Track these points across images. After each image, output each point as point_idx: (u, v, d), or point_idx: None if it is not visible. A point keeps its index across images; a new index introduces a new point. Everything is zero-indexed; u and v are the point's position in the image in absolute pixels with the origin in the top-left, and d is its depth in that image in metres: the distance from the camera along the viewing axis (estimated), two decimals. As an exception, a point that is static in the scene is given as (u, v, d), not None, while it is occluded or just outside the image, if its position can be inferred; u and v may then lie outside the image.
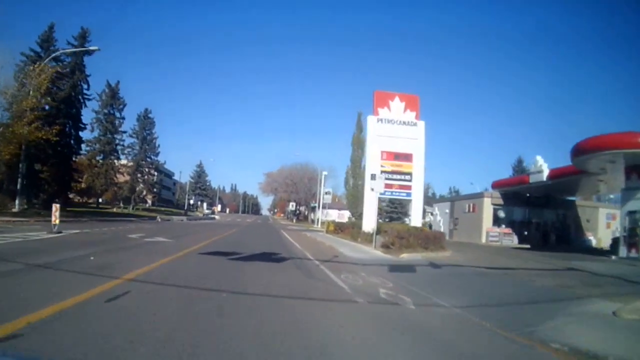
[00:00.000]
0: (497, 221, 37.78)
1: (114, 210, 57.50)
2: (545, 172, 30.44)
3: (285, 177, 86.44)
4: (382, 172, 23.03)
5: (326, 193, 59.88)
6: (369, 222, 23.62)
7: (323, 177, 60.93)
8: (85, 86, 44.02)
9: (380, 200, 26.46)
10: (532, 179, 32.20)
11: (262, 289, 7.57)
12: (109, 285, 6.63)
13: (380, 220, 25.81)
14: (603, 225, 41.27)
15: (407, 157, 25.33)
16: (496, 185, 39.38)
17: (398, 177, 24.99)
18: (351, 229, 28.20)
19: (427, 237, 18.91)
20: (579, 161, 22.55)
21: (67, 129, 41.35)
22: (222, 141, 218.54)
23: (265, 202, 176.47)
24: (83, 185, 55.20)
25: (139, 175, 68.64)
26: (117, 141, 60.47)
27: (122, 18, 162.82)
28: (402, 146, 25.38)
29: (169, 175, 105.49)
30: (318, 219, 61.05)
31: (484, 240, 36.25)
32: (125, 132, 62.36)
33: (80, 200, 62.55)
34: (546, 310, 7.58)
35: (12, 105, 28.41)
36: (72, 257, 9.70)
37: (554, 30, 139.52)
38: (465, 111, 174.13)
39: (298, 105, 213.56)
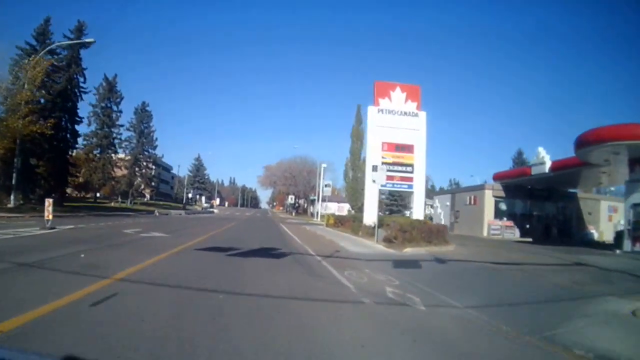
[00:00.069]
0: (498, 214, 37.39)
1: (112, 204, 57.03)
2: (548, 164, 30.01)
3: (285, 170, 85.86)
4: (383, 163, 22.51)
5: (326, 185, 59.40)
6: (370, 215, 23.18)
7: (322, 169, 60.46)
8: (81, 79, 43.52)
9: (379, 192, 26.01)
10: (534, 170, 31.75)
11: (262, 288, 7.11)
12: (96, 287, 6.16)
13: (380, 214, 25.35)
14: (605, 218, 40.94)
15: (409, 148, 24.82)
16: (497, 177, 38.88)
17: (399, 168, 24.51)
18: (352, 222, 27.73)
19: (431, 231, 18.43)
20: (582, 153, 22.11)
21: (63, 123, 40.82)
22: (220, 135, 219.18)
23: (264, 196, 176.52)
24: (81, 179, 54.82)
25: (136, 169, 68.11)
26: (114, 135, 59.93)
27: (122, 16, 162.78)
28: (403, 137, 24.86)
29: (167, 168, 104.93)
30: (317, 212, 60.68)
31: (485, 233, 35.84)
32: (122, 125, 61.95)
33: (78, 195, 62.26)
34: (562, 311, 7.25)
35: (7, 98, 27.91)
36: (62, 255, 9.23)
37: (553, 28, 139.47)
38: (465, 104, 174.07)
39: (297, 99, 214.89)
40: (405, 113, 25.02)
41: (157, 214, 45.48)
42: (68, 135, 42.68)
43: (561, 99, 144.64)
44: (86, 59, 42.40)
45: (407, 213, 48.76)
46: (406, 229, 17.45)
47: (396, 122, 24.83)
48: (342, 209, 65.27)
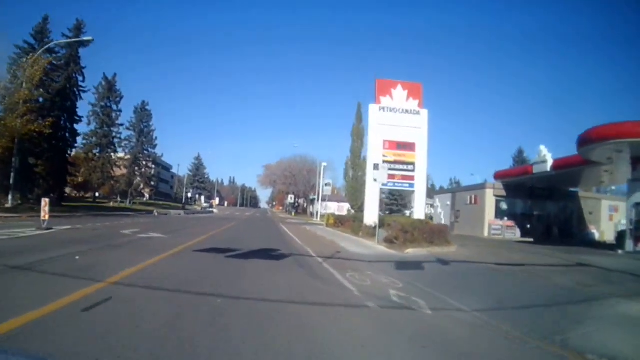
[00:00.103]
0: (499, 213, 37.17)
1: (111, 204, 56.74)
2: (549, 162, 29.79)
3: (284, 169, 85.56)
4: (384, 161, 22.25)
5: (326, 184, 59.13)
6: (371, 215, 22.93)
7: (322, 168, 60.21)
8: (80, 78, 43.32)
9: (380, 192, 25.77)
10: (536, 169, 31.53)
11: (262, 292, 6.86)
12: (89, 290, 5.92)
13: (380, 213, 25.11)
14: (606, 218, 40.75)
15: (410, 147, 24.53)
16: (498, 176, 38.63)
17: (400, 167, 24.21)
18: (352, 223, 27.48)
19: (433, 231, 18.17)
20: (584, 150, 21.89)
21: (62, 122, 40.66)
22: (220, 134, 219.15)
23: (264, 195, 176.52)
24: (80, 179, 54.57)
25: (136, 168, 67.80)
26: (114, 134, 59.61)
27: (122, 16, 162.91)
28: (405, 135, 24.57)
29: (166, 168, 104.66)
30: (317, 212, 60.42)
31: (486, 233, 35.62)
32: (122, 124, 61.64)
33: (78, 195, 62.02)
34: (572, 314, 7.09)
35: (5, 97, 27.67)
36: (56, 257, 8.97)
37: (552, 27, 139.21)
38: (464, 102, 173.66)
39: (297, 98, 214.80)
40: (407, 111, 24.76)
41: (156, 214, 45.18)
42: (67, 135, 42.47)
43: (562, 97, 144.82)
44: (86, 58, 42.32)
45: (407, 213, 48.57)
46: (408, 230, 17.19)
47: (397, 120, 24.56)
48: (342, 208, 65.00)
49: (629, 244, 22.04)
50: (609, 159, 22.73)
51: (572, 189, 39.39)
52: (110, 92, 57.56)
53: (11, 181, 29.25)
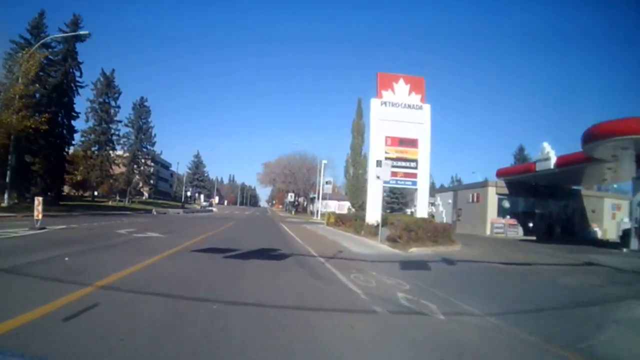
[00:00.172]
0: (501, 211, 36.86)
1: (110, 203, 56.29)
2: (553, 160, 29.57)
3: (284, 167, 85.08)
4: (386, 158, 21.79)
5: (327, 182, 58.69)
6: (373, 214, 22.45)
7: (323, 166, 59.78)
8: (77, 73, 42.82)
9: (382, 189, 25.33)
10: (539, 166, 31.26)
11: (263, 296, 6.41)
12: (75, 296, 5.47)
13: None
14: (608, 216, 40.45)
15: (413, 143, 24.05)
16: (501, 174, 38.31)
17: (403, 164, 23.69)
18: (353, 221, 27.08)
19: (437, 230, 17.76)
20: (589, 147, 21.54)
21: (59, 119, 40.21)
22: (220, 132, 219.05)
23: (264, 194, 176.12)
24: (79, 177, 54.09)
25: (135, 166, 67.25)
26: (112, 131, 58.99)
27: (121, 13, 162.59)
28: (407, 131, 24.10)
29: (165, 166, 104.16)
30: (317, 211, 60.02)
31: (488, 231, 35.33)
32: (120, 121, 61.05)
33: (76, 194, 61.54)
34: (590, 317, 6.67)
35: (0, 93, 27.19)
36: (45, 259, 8.51)
37: (553, 24, 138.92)
38: (464, 100, 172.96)
39: (297, 94, 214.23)
40: (409, 106, 24.28)
41: (155, 213, 44.84)
42: (64, 132, 41.97)
43: (562, 95, 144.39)
44: (85, 56, 41.82)
45: (408, 211, 48.18)
46: (411, 228, 16.78)
47: (400, 115, 24.08)
48: (343, 207, 64.53)
49: (634, 243, 21.86)
50: (613, 156, 22.40)
51: (574, 187, 39.06)
52: (108, 88, 57.04)
53: (7, 179, 28.76)
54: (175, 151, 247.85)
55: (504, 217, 36.44)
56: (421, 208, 24.21)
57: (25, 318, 4.37)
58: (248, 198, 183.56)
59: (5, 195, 28.93)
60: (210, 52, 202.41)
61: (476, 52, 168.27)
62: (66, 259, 8.58)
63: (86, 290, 5.83)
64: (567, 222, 38.21)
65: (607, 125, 19.71)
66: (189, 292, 6.34)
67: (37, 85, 31.91)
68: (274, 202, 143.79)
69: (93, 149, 56.69)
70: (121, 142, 63.87)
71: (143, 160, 69.83)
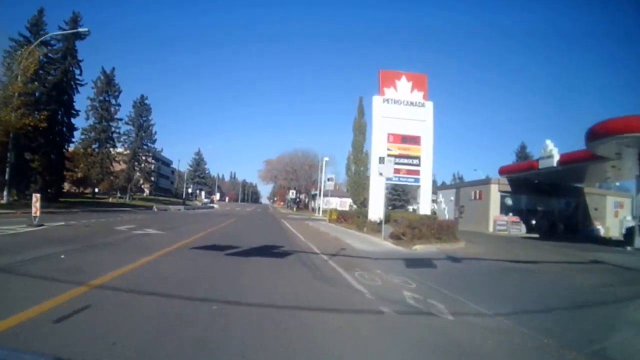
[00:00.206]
0: (504, 209, 36.58)
1: (110, 200, 56.09)
2: (556, 157, 29.23)
3: (285, 164, 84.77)
4: (388, 155, 21.50)
5: (328, 179, 58.28)
6: (376, 211, 22.22)
7: (324, 163, 59.46)
8: (77, 71, 42.32)
9: (384, 186, 25.09)
10: (542, 164, 30.94)
11: (264, 295, 6.15)
12: (68, 296, 5.23)
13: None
14: (611, 214, 40.10)
15: (415, 140, 23.79)
16: (503, 171, 37.99)
17: (405, 161, 23.44)
18: (356, 218, 26.84)
19: (441, 227, 17.50)
20: (593, 145, 21.19)
21: (59, 116, 39.85)
22: (221, 129, 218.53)
23: (265, 191, 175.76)
24: (79, 174, 53.86)
25: (135, 163, 66.93)
26: (112, 129, 58.57)
27: (121, 11, 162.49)
28: (410, 128, 23.82)
29: (166, 163, 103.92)
30: (319, 207, 59.73)
31: (491, 229, 35.06)
32: (121, 119, 60.51)
33: (77, 191, 61.37)
34: (603, 318, 6.54)
35: (-1, 90, 26.99)
36: (40, 256, 8.26)
37: (554, 23, 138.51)
38: (466, 97, 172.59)
39: (298, 93, 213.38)
40: (412, 103, 24.01)
41: (156, 209, 44.62)
42: (64, 129, 41.60)
43: (562, 93, 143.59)
44: (85, 54, 41.50)
45: (410, 208, 47.97)
46: (415, 225, 16.53)
47: (402, 112, 23.81)
48: (344, 204, 64.31)
49: (639, 241, 21.56)
50: (617, 154, 22.08)
51: (577, 185, 38.75)
52: (108, 86, 56.68)
53: (6, 177, 28.57)
54: (177, 149, 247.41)
55: (506, 214, 36.17)
56: (424, 205, 23.97)
57: (13, 321, 4.13)
58: (249, 195, 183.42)
59: (5, 192, 28.77)
60: (210, 50, 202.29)
61: (477, 51, 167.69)
62: (62, 256, 8.35)
63: (80, 290, 5.60)
64: (569, 220, 37.88)
65: (612, 123, 19.38)
66: (187, 291, 6.08)
67: (36, 83, 31.62)
68: (275, 199, 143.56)
69: (93, 146, 56.31)
70: (122, 139, 63.45)
71: (144, 158, 69.48)
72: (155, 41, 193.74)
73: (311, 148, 78.56)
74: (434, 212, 41.96)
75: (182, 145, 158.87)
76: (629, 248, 21.85)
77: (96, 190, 61.95)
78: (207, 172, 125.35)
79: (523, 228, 35.53)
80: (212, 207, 72.06)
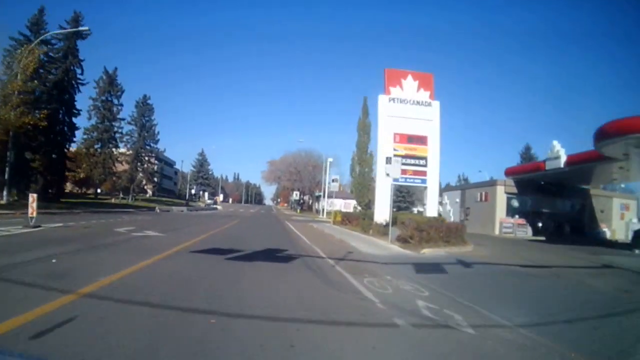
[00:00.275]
0: (510, 211, 36.11)
1: (112, 201, 55.82)
2: (563, 158, 28.92)
3: (289, 164, 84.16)
4: (395, 155, 20.96)
5: (333, 180, 57.80)
6: (382, 212, 21.69)
7: (328, 163, 58.95)
8: (79, 71, 42.23)
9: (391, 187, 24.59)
10: (549, 165, 30.59)
11: (268, 307, 5.62)
12: (53, 306, 4.75)
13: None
14: (617, 216, 39.54)
15: (422, 140, 23.24)
16: (509, 173, 37.58)
17: (412, 161, 22.84)
18: (361, 220, 26.35)
19: (449, 230, 16.97)
20: (602, 145, 20.69)
21: (60, 115, 39.68)
22: (224, 130, 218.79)
23: (269, 192, 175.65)
24: (82, 175, 53.60)
25: (138, 163, 66.63)
26: (115, 129, 58.45)
27: (124, 11, 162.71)
28: (416, 128, 23.28)
29: (169, 164, 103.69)
30: (323, 209, 59.19)
31: (497, 231, 34.60)
32: (123, 119, 60.39)
33: (79, 191, 61.19)
34: (628, 328, 6.25)
35: (-1, 89, 26.64)
36: (30, 260, 7.80)
37: (555, 23, 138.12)
38: (469, 98, 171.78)
39: (301, 94, 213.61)
40: (418, 102, 23.49)
41: (158, 210, 44.31)
42: (65, 129, 41.39)
43: (567, 94, 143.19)
44: (86, 53, 41.14)
45: (415, 210, 47.30)
46: (423, 228, 15.99)
47: (408, 111, 23.28)
48: (348, 205, 63.59)
49: (647, 244, 21.28)
50: (625, 155, 21.59)
51: (583, 186, 38.21)
52: (111, 86, 56.52)
53: (5, 176, 28.21)
54: (180, 149, 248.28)
55: (512, 216, 35.70)
56: (431, 207, 23.45)
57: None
58: (253, 196, 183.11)
59: (4, 192, 28.42)
60: (213, 51, 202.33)
61: (479, 51, 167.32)
62: (53, 260, 7.88)
63: (67, 299, 5.12)
64: (576, 222, 37.40)
65: (621, 122, 18.90)
66: (183, 301, 5.57)
67: (36, 81, 31.30)
68: (279, 200, 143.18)
69: (96, 146, 56.17)
70: (124, 139, 63.33)
71: (146, 158, 69.27)
72: (155, 41, 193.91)
73: (315, 148, 78.21)
74: (439, 214, 41.52)
75: (185, 145, 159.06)
76: (637, 251, 21.73)
77: (99, 191, 61.76)
78: (210, 173, 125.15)
79: (529, 230, 35.06)
80: (216, 209, 71.69)
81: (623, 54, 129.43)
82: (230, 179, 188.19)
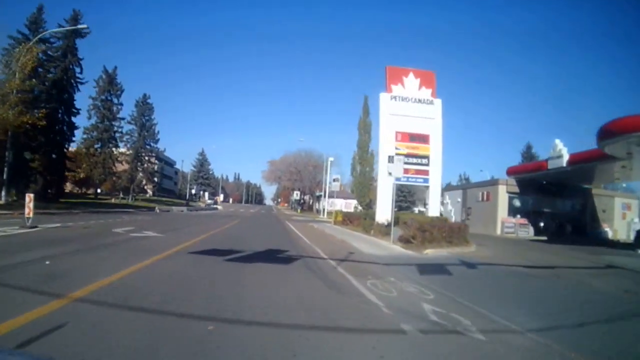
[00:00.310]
0: (511, 210, 35.85)
1: (112, 201, 55.58)
2: (565, 157, 28.58)
3: (289, 164, 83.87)
4: (396, 154, 20.69)
5: (334, 180, 57.50)
6: (384, 212, 21.44)
7: (329, 163, 58.70)
8: (78, 70, 41.93)
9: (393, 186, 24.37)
10: (551, 164, 30.29)
11: (268, 312, 5.38)
12: (43, 311, 4.53)
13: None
14: (619, 216, 39.28)
15: (424, 139, 22.92)
16: (511, 172, 37.26)
17: (414, 160, 22.53)
18: (362, 220, 26.09)
19: (452, 230, 16.75)
20: (605, 144, 20.46)
21: (59, 115, 39.41)
22: (225, 130, 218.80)
23: (269, 192, 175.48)
24: (82, 175, 53.36)
25: (138, 163, 66.35)
26: (115, 128, 58.16)
27: (124, 10, 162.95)
28: (418, 126, 22.96)
29: (170, 163, 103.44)
30: (324, 209, 58.95)
31: (499, 231, 34.36)
32: (123, 118, 60.08)
33: (79, 191, 60.93)
34: (628, 328, 6.30)
35: (-4, 88, 26.40)
36: (22, 262, 7.58)
37: (555, 23, 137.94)
38: (469, 97, 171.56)
39: (301, 94, 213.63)
40: (420, 100, 23.18)
41: (158, 210, 44.08)
42: (65, 128, 41.12)
43: (567, 94, 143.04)
44: (86, 53, 40.96)
45: (416, 210, 47.10)
46: (426, 228, 15.75)
47: (410, 110, 22.97)
48: (349, 205, 63.42)
49: (649, 244, 21.13)
50: (628, 154, 21.36)
51: (585, 186, 37.96)
52: (110, 85, 56.26)
53: (4, 176, 27.98)
54: (180, 149, 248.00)
55: (514, 216, 35.44)
56: (433, 206, 23.22)
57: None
58: (253, 196, 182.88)
59: (3, 193, 28.18)
60: (213, 51, 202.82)
61: (480, 51, 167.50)
62: (47, 262, 7.64)
63: (58, 303, 4.91)
64: (578, 222, 37.14)
65: (625, 121, 18.69)
66: (179, 306, 5.33)
67: (34, 80, 30.99)
68: (279, 200, 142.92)
69: (96, 146, 55.89)
70: (124, 139, 63.01)
71: (146, 158, 69.00)
72: (155, 41, 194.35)
73: (315, 148, 78.04)
74: (440, 214, 41.27)
75: (185, 145, 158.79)
76: (639, 251, 21.59)
77: (98, 191, 61.50)
78: (210, 172, 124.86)
79: (531, 230, 34.82)
80: (216, 209, 71.47)
81: (623, 54, 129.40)
82: (231, 179, 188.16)
